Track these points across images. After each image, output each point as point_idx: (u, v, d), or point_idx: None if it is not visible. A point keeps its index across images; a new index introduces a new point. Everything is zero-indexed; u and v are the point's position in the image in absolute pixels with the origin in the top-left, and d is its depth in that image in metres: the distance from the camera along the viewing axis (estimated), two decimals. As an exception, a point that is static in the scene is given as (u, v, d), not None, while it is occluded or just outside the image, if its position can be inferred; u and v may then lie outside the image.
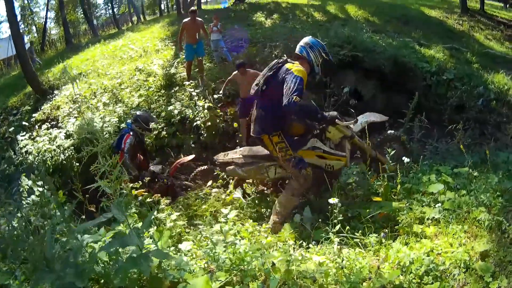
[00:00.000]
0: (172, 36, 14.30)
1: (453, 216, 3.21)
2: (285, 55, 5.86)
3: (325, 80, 7.62)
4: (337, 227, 2.98)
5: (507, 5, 25.57)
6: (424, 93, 8.73)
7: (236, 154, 4.94)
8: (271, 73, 4.02)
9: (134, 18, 33.79)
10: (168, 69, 10.15)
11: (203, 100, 8.25)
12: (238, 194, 4.61)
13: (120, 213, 2.06)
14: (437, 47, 11.87)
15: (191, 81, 9.13)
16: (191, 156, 6.42)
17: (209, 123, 7.82)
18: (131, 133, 5.64)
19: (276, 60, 4.17)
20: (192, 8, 10.85)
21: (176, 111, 8.13)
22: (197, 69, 9.69)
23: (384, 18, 15.86)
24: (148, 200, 3.84)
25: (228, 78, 7.93)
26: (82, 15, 33.06)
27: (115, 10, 36.17)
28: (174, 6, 30.07)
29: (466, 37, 16.69)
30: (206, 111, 7.97)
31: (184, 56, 10.05)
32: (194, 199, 4.70)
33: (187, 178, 6.12)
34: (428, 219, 3.30)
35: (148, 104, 8.77)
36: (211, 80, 9.40)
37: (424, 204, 3.55)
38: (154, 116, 7.26)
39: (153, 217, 2.88)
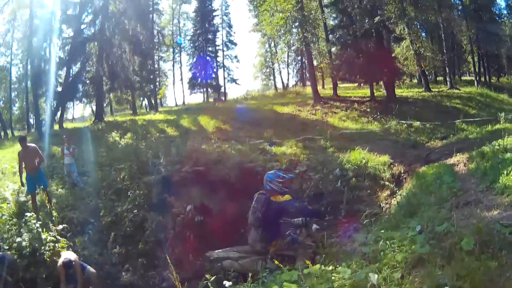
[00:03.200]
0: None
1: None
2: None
3: (169, 200, 7.65)
4: None
5: (361, 84, 29.45)
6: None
7: (230, 252, 5.91)
8: (264, 208, 5.47)
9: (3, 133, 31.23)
10: (19, 195, 9.70)
11: (47, 232, 8.02)
12: None
13: None
14: (289, 142, 12.82)
15: (35, 213, 8.64)
16: None
17: (55, 257, 7.53)
18: None
19: (259, 196, 5.64)
20: (21, 135, 10.44)
21: (24, 243, 7.81)
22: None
23: (236, 124, 17.07)
24: None
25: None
26: None
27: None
28: (43, 122, 27.60)
29: (320, 124, 18.61)
30: (51, 244, 7.77)
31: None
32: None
33: None
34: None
35: (1, 234, 8.27)
36: (62, 208, 9.17)
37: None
38: (17, 261, 7.27)
39: None
